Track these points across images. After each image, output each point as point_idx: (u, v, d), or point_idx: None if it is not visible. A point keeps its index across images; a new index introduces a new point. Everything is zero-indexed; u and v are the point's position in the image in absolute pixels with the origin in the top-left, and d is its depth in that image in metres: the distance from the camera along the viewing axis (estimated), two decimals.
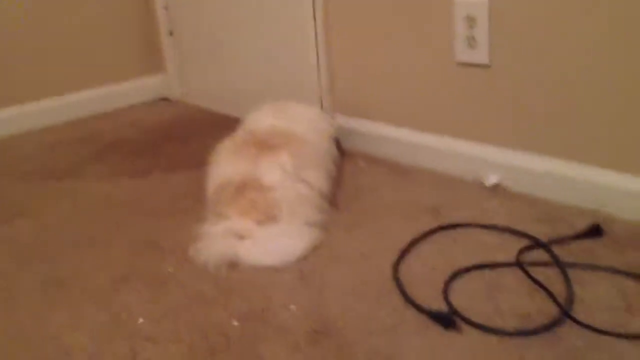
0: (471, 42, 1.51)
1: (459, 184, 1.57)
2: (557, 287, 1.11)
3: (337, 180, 1.61)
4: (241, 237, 1.30)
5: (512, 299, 1.09)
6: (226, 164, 1.45)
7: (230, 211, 1.35)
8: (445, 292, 1.12)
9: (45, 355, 1.03)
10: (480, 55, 1.50)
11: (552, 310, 1.05)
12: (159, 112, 2.42)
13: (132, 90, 2.54)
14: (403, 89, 1.71)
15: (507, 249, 1.25)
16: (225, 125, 1.74)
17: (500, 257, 1.22)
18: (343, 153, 1.77)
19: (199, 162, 1.51)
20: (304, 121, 1.61)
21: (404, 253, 1.27)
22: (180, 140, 2.05)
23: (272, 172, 1.40)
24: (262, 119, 1.59)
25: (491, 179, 1.54)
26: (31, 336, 1.08)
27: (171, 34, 2.52)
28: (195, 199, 1.52)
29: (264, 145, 1.46)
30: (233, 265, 1.25)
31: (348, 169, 1.72)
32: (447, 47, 1.57)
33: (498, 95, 1.50)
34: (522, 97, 1.46)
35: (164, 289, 1.20)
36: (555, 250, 1.22)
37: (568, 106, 1.38)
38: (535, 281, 1.13)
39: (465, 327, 1.03)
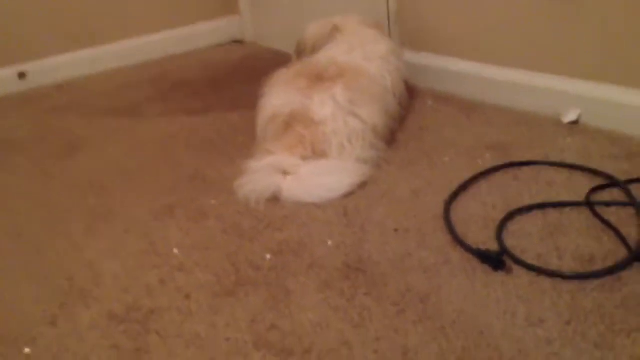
0: None
1: (534, 121, 1.42)
2: (630, 229, 0.97)
3: (402, 119, 1.51)
4: (285, 172, 1.23)
5: (574, 241, 0.96)
6: (277, 96, 1.38)
7: (277, 146, 1.29)
8: (500, 231, 1.01)
9: (75, 279, 1.02)
10: None
11: (620, 255, 0.92)
12: (229, 53, 2.38)
13: (206, 33, 2.51)
14: (476, 20, 1.56)
15: (577, 188, 1.11)
16: None
17: (568, 197, 1.09)
18: (410, 91, 1.65)
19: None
20: (370, 54, 1.50)
21: (459, 191, 1.16)
22: (245, 81, 2.00)
23: (324, 105, 1.31)
24: (333, 49, 1.50)
25: (570, 115, 1.38)
26: (67, 261, 1.09)
27: None
28: (250, 136, 1.47)
29: (318, 77, 1.38)
30: (275, 201, 1.20)
31: (415, 107, 1.60)
32: None
33: (582, 24, 1.33)
34: (609, 25, 1.28)
35: (204, 221, 1.16)
36: (633, 189, 1.07)
37: None
38: (604, 221, 0.99)
39: (516, 269, 0.92)
